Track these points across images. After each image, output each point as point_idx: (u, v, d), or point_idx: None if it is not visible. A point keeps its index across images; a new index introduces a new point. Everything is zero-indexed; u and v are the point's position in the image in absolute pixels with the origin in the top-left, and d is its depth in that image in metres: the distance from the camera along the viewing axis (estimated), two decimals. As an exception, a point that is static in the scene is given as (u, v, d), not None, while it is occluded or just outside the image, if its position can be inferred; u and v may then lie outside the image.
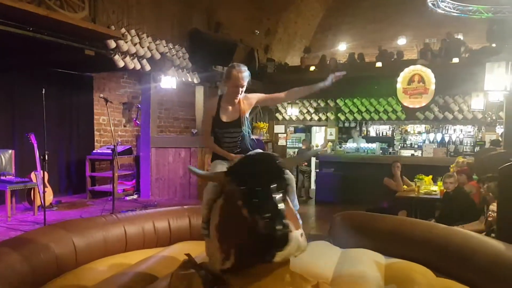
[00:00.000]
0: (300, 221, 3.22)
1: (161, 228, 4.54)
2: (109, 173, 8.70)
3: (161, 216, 4.64)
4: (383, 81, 10.91)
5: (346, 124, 12.75)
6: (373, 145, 11.07)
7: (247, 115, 3.39)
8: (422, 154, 10.79)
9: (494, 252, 3.49)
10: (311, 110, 12.40)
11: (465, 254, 3.65)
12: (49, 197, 7.46)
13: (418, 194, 7.27)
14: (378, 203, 7.82)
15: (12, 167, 7.33)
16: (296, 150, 13.23)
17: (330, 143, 11.88)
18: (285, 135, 13.05)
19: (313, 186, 11.92)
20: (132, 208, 7.23)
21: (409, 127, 12.61)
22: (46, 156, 6.09)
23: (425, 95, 10.39)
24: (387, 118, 11.56)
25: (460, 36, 11.68)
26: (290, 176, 2.98)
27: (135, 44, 7.72)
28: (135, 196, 9.02)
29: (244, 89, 3.33)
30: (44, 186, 6.80)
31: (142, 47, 7.90)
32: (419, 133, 12.42)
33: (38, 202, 7.10)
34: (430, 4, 7.34)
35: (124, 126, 10.44)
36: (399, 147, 12.25)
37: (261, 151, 3.25)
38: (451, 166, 7.70)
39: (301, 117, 12.56)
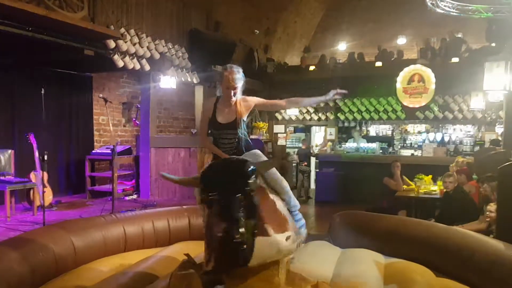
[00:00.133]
0: (299, 222, 3.21)
1: (161, 228, 4.53)
2: (108, 173, 8.69)
3: (161, 216, 4.63)
4: (383, 81, 10.91)
5: (346, 124, 12.75)
6: (373, 145, 11.07)
7: (244, 118, 3.32)
8: (422, 153, 10.80)
9: (493, 251, 3.48)
10: (311, 110, 12.39)
11: (464, 253, 3.64)
12: (49, 197, 7.45)
13: (417, 194, 7.27)
14: (377, 203, 7.83)
15: (11, 167, 7.32)
16: (296, 150, 13.23)
17: (330, 143, 11.88)
18: (284, 135, 13.05)
19: (313, 186, 11.92)
20: (131, 208, 7.22)
21: (409, 127, 12.62)
22: (46, 156, 6.09)
23: (425, 95, 10.40)
24: (387, 117, 11.55)
25: (460, 36, 11.68)
26: (275, 176, 2.98)
27: (134, 44, 7.71)
28: (134, 196, 9.01)
29: (237, 91, 3.27)
30: (44, 186, 6.78)
31: (142, 47, 7.89)
32: (419, 132, 12.42)
33: (37, 202, 7.09)
34: (429, 4, 7.33)
35: (124, 126, 10.43)
36: (399, 147, 12.25)
37: (257, 151, 3.23)
38: (451, 165, 7.70)
39: (301, 117, 12.56)
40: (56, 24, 6.07)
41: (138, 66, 7.86)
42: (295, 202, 3.16)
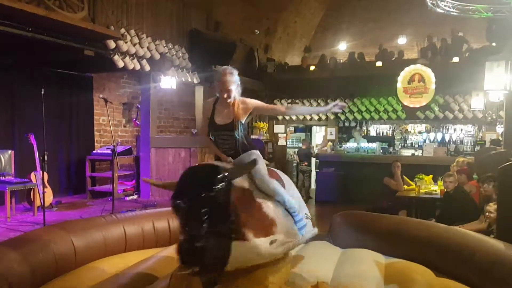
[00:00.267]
0: (299, 223, 3.19)
1: (161, 228, 4.53)
2: (109, 173, 8.69)
3: (161, 217, 4.64)
4: (383, 81, 10.90)
5: (346, 124, 12.73)
6: (374, 145, 11.07)
7: (242, 120, 3.25)
8: (422, 153, 10.79)
9: (494, 251, 3.48)
10: (311, 110, 12.37)
11: (465, 253, 3.64)
12: (49, 197, 7.45)
13: (418, 194, 7.27)
14: (378, 203, 7.82)
15: (11, 168, 7.32)
16: (296, 150, 13.23)
17: (330, 143, 11.87)
18: (285, 135, 13.04)
19: (313, 185, 11.92)
20: (132, 209, 7.22)
21: (410, 127, 12.60)
22: (46, 157, 6.09)
23: (425, 95, 10.39)
24: (387, 117, 11.54)
25: (461, 35, 11.66)
26: (264, 179, 2.97)
27: (134, 44, 7.71)
28: (135, 196, 9.01)
29: (231, 93, 3.20)
30: (44, 186, 6.79)
31: (142, 47, 7.89)
32: (420, 132, 12.41)
33: (37, 202, 7.09)
34: (429, 4, 7.33)
35: (124, 126, 10.43)
36: (400, 147, 12.24)
37: (253, 152, 3.20)
38: (452, 165, 7.69)
39: (301, 117, 12.54)
40: (56, 24, 6.06)
41: (138, 67, 7.86)
42: (291, 203, 3.12)
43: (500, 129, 10.19)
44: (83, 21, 6.48)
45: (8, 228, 6.22)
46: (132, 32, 7.72)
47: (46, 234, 3.78)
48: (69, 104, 9.15)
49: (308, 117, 12.41)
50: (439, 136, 11.79)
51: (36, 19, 5.81)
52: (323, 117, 12.24)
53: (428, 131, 12.19)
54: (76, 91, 9.24)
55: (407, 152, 11.65)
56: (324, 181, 10.68)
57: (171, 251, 4.18)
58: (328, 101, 11.92)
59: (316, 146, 13.52)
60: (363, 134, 12.43)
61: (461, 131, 11.72)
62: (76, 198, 8.99)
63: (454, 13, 7.34)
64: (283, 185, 3.33)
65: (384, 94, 11.30)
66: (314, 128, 14.07)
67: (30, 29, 6.01)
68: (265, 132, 12.41)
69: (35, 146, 7.23)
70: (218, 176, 2.65)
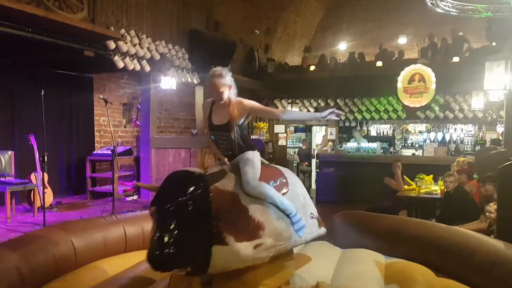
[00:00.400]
0: (297, 225, 3.18)
1: (161, 229, 4.52)
2: (109, 174, 8.69)
3: (161, 217, 4.62)
4: (383, 81, 10.90)
5: (347, 124, 12.73)
6: (374, 145, 11.07)
7: (239, 121, 3.22)
8: (423, 153, 10.80)
9: (494, 251, 3.48)
10: (311, 110, 12.35)
11: (465, 253, 3.64)
12: (49, 198, 7.45)
13: (418, 194, 7.26)
14: (378, 203, 7.82)
15: (11, 168, 7.31)
16: (297, 150, 13.24)
17: (330, 143, 11.87)
18: (285, 135, 13.05)
19: (313, 186, 11.92)
20: (132, 209, 7.23)
21: (410, 127, 12.60)
22: (46, 157, 6.09)
23: (425, 94, 10.39)
24: (387, 117, 11.54)
25: (461, 34, 11.66)
26: (248, 182, 2.96)
27: (134, 45, 7.71)
28: (135, 197, 9.01)
29: (223, 94, 3.17)
30: (44, 187, 6.79)
31: (142, 48, 7.89)
32: (420, 132, 12.41)
33: (38, 203, 7.09)
34: (429, 4, 7.33)
35: (125, 127, 10.43)
36: (400, 147, 12.24)
37: (249, 154, 3.19)
38: (452, 165, 7.69)
39: (301, 117, 12.52)
40: (55, 25, 6.06)
41: (138, 67, 7.86)
42: (285, 205, 3.09)
43: (500, 128, 10.19)
44: (82, 22, 6.48)
45: (8, 229, 6.22)
46: (132, 32, 7.72)
47: (46, 235, 3.78)
48: (69, 105, 9.15)
49: (308, 117, 12.38)
50: (439, 136, 11.79)
51: (36, 20, 5.80)
52: (323, 117, 12.20)
53: (428, 131, 12.19)
54: (76, 91, 9.24)
55: (407, 152, 11.65)
56: (324, 181, 10.68)
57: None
58: (328, 100, 11.94)
59: (316, 146, 13.52)
60: (363, 134, 12.43)
61: (462, 131, 11.72)
62: (76, 198, 8.99)
63: (454, 13, 7.33)
64: (285, 184, 3.32)
65: (384, 94, 11.30)
66: (314, 128, 14.07)
67: (29, 30, 6.00)
68: (265, 132, 12.42)
69: (35, 146, 7.23)
70: (192, 183, 2.71)
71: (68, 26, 6.19)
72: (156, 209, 2.66)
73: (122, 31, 7.45)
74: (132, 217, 4.53)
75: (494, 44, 9.80)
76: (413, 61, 11.03)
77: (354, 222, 4.86)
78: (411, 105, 10.63)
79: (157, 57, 8.22)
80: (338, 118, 3.05)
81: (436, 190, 7.27)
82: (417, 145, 12.10)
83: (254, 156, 3.18)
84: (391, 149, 11.60)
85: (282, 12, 13.16)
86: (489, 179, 5.46)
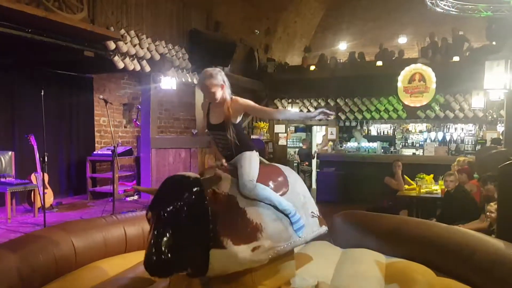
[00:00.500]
0: (296, 225, 3.17)
1: (161, 229, 4.52)
2: (109, 174, 8.69)
3: (161, 217, 4.62)
4: (383, 80, 10.90)
5: (347, 124, 12.73)
6: (374, 144, 11.06)
7: (235, 120, 3.20)
8: (423, 153, 10.79)
9: (494, 251, 3.47)
10: (312, 110, 12.35)
11: (465, 253, 3.64)
12: (50, 198, 7.45)
13: (419, 193, 7.26)
14: (379, 203, 7.82)
15: (12, 169, 7.32)
16: (297, 149, 13.23)
17: (330, 143, 11.87)
18: (285, 134, 13.04)
19: (314, 185, 11.91)
20: (132, 209, 7.23)
21: (410, 126, 12.60)
22: (46, 158, 6.09)
23: (426, 94, 10.39)
24: (388, 117, 11.53)
25: (462, 33, 11.65)
26: (244, 184, 2.95)
27: (134, 45, 7.70)
28: (135, 197, 9.00)
29: (214, 95, 3.16)
30: (44, 187, 6.79)
31: (142, 48, 7.89)
32: (420, 132, 12.40)
33: (38, 203, 7.09)
34: (429, 3, 7.32)
35: (125, 127, 10.44)
36: (400, 146, 12.23)
37: (245, 154, 3.18)
38: (453, 164, 7.69)
39: (301, 117, 12.50)
40: (55, 25, 6.05)
41: (138, 67, 7.85)
42: (283, 206, 3.09)
43: (500, 128, 10.18)
44: (82, 22, 6.47)
45: (9, 229, 6.22)
46: (132, 33, 7.71)
47: (47, 235, 3.78)
48: (70, 105, 9.16)
49: (309, 117, 12.36)
50: (440, 135, 11.78)
51: (36, 20, 5.80)
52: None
53: (429, 131, 12.18)
54: (77, 92, 9.24)
55: (408, 152, 11.63)
56: (324, 181, 10.68)
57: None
58: (329, 100, 11.94)
59: (317, 146, 13.52)
60: (364, 134, 12.43)
61: (462, 130, 11.72)
62: (77, 199, 8.99)
63: (454, 12, 7.33)
64: (285, 183, 3.31)
65: (384, 93, 11.30)
66: (314, 128, 14.06)
67: (29, 30, 6.00)
68: (266, 132, 12.42)
69: (35, 147, 7.23)
70: (188, 187, 2.72)
71: (68, 27, 6.19)
72: (152, 214, 2.66)
73: (122, 31, 7.45)
74: (132, 217, 4.52)
75: (494, 43, 9.80)
76: (413, 61, 11.03)
77: (355, 221, 4.86)
78: (412, 105, 10.63)
79: (157, 57, 8.21)
80: (329, 118, 3.01)
81: (436, 190, 7.26)
82: (417, 145, 12.10)
83: (252, 157, 3.16)
84: (392, 149, 11.59)
85: (282, 12, 13.16)
86: (490, 178, 5.45)
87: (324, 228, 3.49)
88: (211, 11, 10.32)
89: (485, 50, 9.76)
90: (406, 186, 7.70)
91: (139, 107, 9.79)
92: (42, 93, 5.89)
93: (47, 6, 5.93)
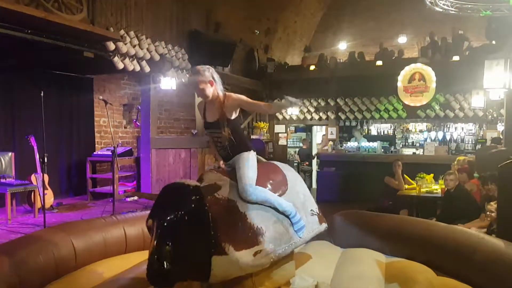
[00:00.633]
0: (297, 225, 3.16)
1: (161, 229, 4.52)
2: (110, 174, 8.69)
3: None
4: (383, 80, 10.89)
5: (347, 123, 12.73)
6: (374, 144, 11.06)
7: (230, 116, 3.18)
8: (423, 152, 10.77)
9: (494, 250, 3.47)
10: (312, 110, 12.36)
11: (465, 252, 3.64)
12: (50, 199, 7.46)
13: (419, 193, 7.25)
14: (379, 202, 7.82)
15: (12, 170, 7.32)
16: (297, 149, 13.23)
17: (330, 142, 11.86)
18: (285, 134, 13.04)
19: (314, 185, 11.91)
20: (132, 210, 7.23)
21: (411, 126, 12.59)
22: (46, 158, 6.09)
23: (426, 93, 10.38)
24: (388, 116, 11.52)
25: (461, 32, 11.64)
26: (245, 188, 2.95)
27: (134, 46, 7.70)
28: (135, 198, 9.00)
29: (203, 92, 3.16)
30: (44, 188, 6.79)
31: (142, 49, 7.88)
32: (421, 131, 12.40)
33: (38, 204, 7.09)
34: (428, 3, 7.32)
35: (125, 127, 10.44)
36: (401, 146, 12.22)
37: (243, 155, 3.17)
38: (453, 164, 7.68)
39: (302, 117, 12.52)
40: (55, 26, 6.06)
41: (138, 68, 7.85)
42: (283, 207, 3.10)
43: (501, 127, 10.17)
44: (82, 23, 6.48)
45: (9, 230, 6.22)
46: (132, 33, 7.71)
47: (47, 236, 3.78)
48: (70, 106, 9.16)
49: (309, 117, 12.39)
50: (440, 134, 11.78)
51: (35, 21, 5.81)
52: (324, 117, 12.22)
53: (429, 130, 12.18)
54: (77, 92, 9.24)
55: (408, 151, 11.62)
56: (325, 180, 10.67)
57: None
58: (328, 100, 11.93)
59: (317, 146, 13.51)
60: (364, 134, 12.43)
61: (462, 129, 11.71)
62: (77, 199, 8.99)
63: (453, 12, 7.32)
64: (284, 182, 3.31)
65: (384, 93, 11.29)
66: (314, 128, 14.06)
67: (29, 31, 6.00)
68: (266, 132, 12.41)
69: (35, 148, 7.23)
70: (189, 196, 2.74)
71: (67, 27, 6.20)
72: (153, 223, 2.66)
73: (122, 32, 7.45)
74: (132, 218, 4.53)
75: (494, 42, 9.80)
76: (413, 60, 11.02)
77: (355, 221, 4.86)
78: (412, 104, 10.62)
79: (157, 57, 8.21)
80: (295, 105, 3.00)
81: (436, 189, 7.26)
82: (417, 144, 12.10)
83: (249, 158, 3.15)
84: (392, 148, 11.58)
85: (282, 12, 13.16)
86: (490, 178, 5.45)
87: (324, 226, 3.49)
88: (211, 12, 10.31)
89: (484, 50, 9.75)
90: (406, 186, 7.70)
91: (139, 107, 9.79)
92: (42, 94, 5.89)
93: (46, 7, 5.93)
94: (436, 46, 11.33)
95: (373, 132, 12.84)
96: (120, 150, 8.93)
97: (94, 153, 9.32)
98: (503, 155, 5.67)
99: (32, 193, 7.17)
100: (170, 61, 8.60)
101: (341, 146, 11.64)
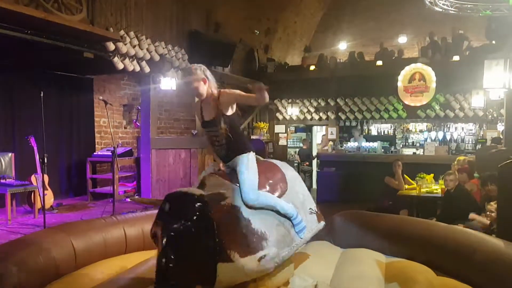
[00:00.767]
0: (298, 226, 3.17)
1: (161, 230, 4.52)
2: (110, 175, 8.69)
3: (161, 218, 4.62)
4: (383, 80, 10.88)
5: (347, 123, 12.73)
6: (375, 144, 11.05)
7: (227, 111, 3.17)
8: (423, 152, 10.77)
9: (494, 250, 3.47)
10: (312, 110, 12.35)
11: (465, 252, 3.64)
12: (50, 199, 7.46)
13: (419, 193, 7.24)
14: (379, 202, 7.81)
15: (12, 170, 7.32)
16: (297, 150, 13.23)
17: (330, 142, 11.86)
18: (285, 134, 13.03)
19: (314, 185, 11.90)
20: (132, 210, 7.22)
21: (411, 126, 12.59)
22: (46, 159, 6.09)
23: (426, 93, 10.38)
24: (388, 117, 11.52)
25: (461, 32, 11.64)
26: (247, 195, 2.96)
27: (134, 46, 7.69)
28: (136, 198, 9.00)
29: (197, 90, 3.17)
30: (45, 188, 6.79)
31: (141, 49, 7.88)
32: (421, 131, 12.40)
33: (38, 204, 7.09)
34: (427, 2, 7.31)
35: (125, 128, 10.44)
36: (401, 146, 12.22)
37: (243, 157, 3.17)
38: (453, 164, 7.68)
39: (302, 117, 12.52)
40: (54, 26, 6.05)
41: (138, 68, 7.84)
42: (285, 210, 3.11)
43: (501, 127, 10.17)
44: (81, 23, 6.47)
45: (9, 230, 6.23)
46: (132, 33, 7.70)
47: (47, 237, 3.79)
48: (70, 106, 9.16)
49: (309, 117, 12.39)
50: (440, 134, 11.78)
51: (35, 22, 5.80)
52: (324, 117, 12.22)
53: (429, 130, 12.18)
54: (77, 93, 9.24)
55: (408, 151, 11.62)
56: (325, 180, 10.67)
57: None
58: (329, 100, 11.93)
59: (317, 146, 13.50)
60: (363, 134, 12.43)
61: (462, 129, 11.72)
62: (77, 200, 9.00)
63: (453, 12, 7.32)
64: (283, 181, 3.31)
65: (384, 93, 11.28)
66: (315, 128, 14.06)
67: (29, 32, 6.00)
68: (266, 132, 12.41)
69: (35, 148, 7.23)
70: (193, 205, 2.75)
71: (67, 28, 6.19)
72: (158, 232, 2.68)
73: (122, 32, 7.44)
74: (132, 218, 4.53)
75: (494, 42, 9.79)
76: (413, 60, 11.01)
77: (355, 221, 4.86)
78: (412, 104, 10.62)
79: (157, 58, 8.21)
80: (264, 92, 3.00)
81: (436, 189, 7.25)
82: (418, 144, 12.11)
83: (249, 161, 3.15)
84: (392, 148, 11.57)
85: (282, 12, 13.16)
86: (490, 178, 5.45)
87: (322, 223, 3.51)
88: (211, 12, 10.31)
89: (484, 49, 9.74)
90: (407, 186, 7.69)
91: (139, 108, 9.79)
92: (42, 94, 5.89)
93: (46, 7, 5.93)
94: (436, 46, 11.32)
95: (373, 132, 12.84)
96: (120, 150, 8.93)
97: (94, 153, 9.33)
98: (503, 155, 5.68)
99: (32, 194, 7.18)
100: (170, 61, 8.60)
101: (341, 146, 11.64)
